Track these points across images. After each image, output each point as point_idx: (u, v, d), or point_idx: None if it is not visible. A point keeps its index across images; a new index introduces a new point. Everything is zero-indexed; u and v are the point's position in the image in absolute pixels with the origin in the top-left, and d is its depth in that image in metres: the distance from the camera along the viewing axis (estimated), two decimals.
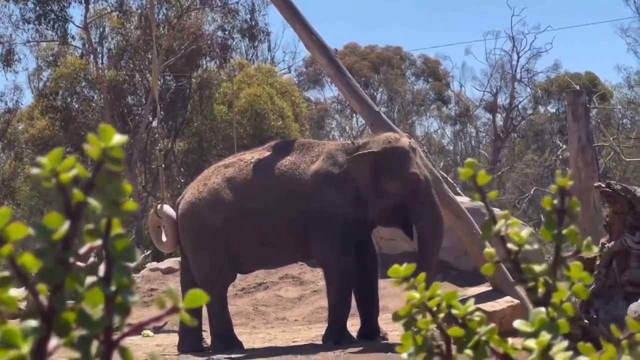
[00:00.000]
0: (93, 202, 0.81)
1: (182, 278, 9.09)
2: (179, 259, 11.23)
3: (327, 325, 8.52)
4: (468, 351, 0.82)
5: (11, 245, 0.78)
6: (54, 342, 0.79)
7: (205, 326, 8.82)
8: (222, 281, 8.58)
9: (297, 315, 11.64)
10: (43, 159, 0.80)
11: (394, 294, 10.65)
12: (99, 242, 0.81)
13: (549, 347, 0.77)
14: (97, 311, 0.80)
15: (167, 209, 9.11)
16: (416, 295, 0.84)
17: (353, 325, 8.53)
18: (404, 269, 0.84)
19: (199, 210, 8.58)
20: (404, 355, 0.84)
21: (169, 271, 13.74)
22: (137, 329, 0.84)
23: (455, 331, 0.85)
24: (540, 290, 0.83)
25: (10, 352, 0.74)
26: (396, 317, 0.85)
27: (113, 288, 0.81)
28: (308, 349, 7.99)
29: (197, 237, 8.55)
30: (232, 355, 7.85)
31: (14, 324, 0.79)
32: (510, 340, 0.86)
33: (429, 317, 0.89)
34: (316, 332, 9.39)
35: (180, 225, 8.76)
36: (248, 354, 7.99)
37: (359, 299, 8.47)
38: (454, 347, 0.88)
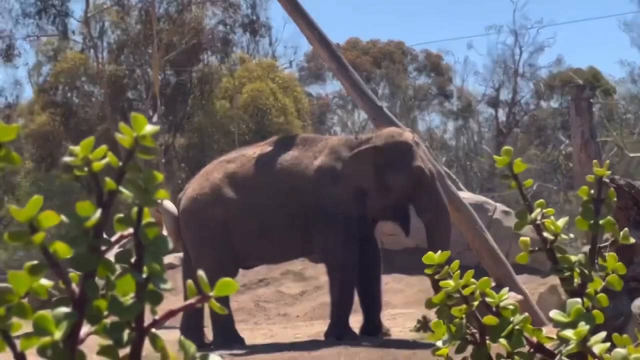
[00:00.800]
0: (125, 190, 0.80)
1: (184, 273, 9.07)
2: (179, 254, 11.22)
3: (329, 321, 8.51)
4: (502, 340, 0.82)
5: (44, 233, 0.77)
6: (85, 329, 0.78)
7: (207, 322, 8.81)
8: (224, 277, 8.54)
9: (299, 311, 11.63)
10: (75, 148, 0.79)
11: (396, 290, 10.65)
12: (130, 230, 0.81)
13: (585, 337, 0.76)
14: (128, 298, 0.79)
15: (168, 204, 9.09)
16: (451, 282, 0.83)
17: (355, 321, 8.52)
18: (439, 256, 0.84)
19: (200, 206, 8.56)
20: (439, 342, 0.83)
21: (169, 267, 13.72)
22: (167, 317, 0.84)
23: (490, 319, 0.84)
24: (576, 281, 0.82)
25: (43, 338, 0.73)
26: (429, 304, 0.84)
27: (144, 276, 0.80)
28: (310, 345, 7.97)
29: (199, 233, 8.53)
30: (234, 351, 7.83)
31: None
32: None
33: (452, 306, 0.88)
34: (318, 328, 9.38)
35: (182, 221, 8.74)
36: (249, 350, 7.97)
37: (362, 295, 8.45)
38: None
